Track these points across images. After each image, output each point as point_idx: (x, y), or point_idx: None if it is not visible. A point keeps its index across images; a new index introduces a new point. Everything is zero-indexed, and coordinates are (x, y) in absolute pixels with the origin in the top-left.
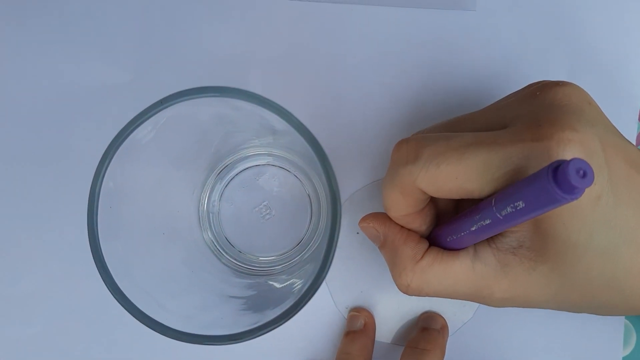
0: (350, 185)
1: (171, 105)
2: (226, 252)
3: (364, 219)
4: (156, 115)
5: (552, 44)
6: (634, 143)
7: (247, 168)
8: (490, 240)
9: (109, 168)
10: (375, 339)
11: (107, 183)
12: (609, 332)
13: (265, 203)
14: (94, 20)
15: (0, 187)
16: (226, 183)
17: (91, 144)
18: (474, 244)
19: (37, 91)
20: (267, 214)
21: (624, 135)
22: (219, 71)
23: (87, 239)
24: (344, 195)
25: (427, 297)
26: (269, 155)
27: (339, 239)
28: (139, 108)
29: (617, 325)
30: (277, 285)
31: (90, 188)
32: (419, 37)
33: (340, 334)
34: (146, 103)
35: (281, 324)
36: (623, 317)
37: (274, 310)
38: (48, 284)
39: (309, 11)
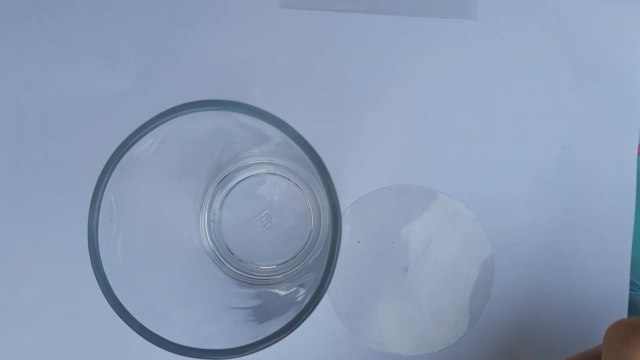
0: (351, 193)
1: (171, 119)
2: (227, 261)
3: None
4: (156, 128)
5: (553, 54)
6: (636, 153)
7: (248, 177)
8: None
9: (109, 182)
10: (375, 348)
11: (108, 196)
12: None
13: (266, 212)
14: (96, 30)
15: (1, 196)
16: (227, 192)
17: (93, 152)
18: None
19: (38, 99)
20: (268, 222)
21: (623, 145)
22: (220, 80)
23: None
24: (346, 203)
25: (428, 307)
26: (269, 164)
27: (340, 248)
28: (141, 117)
29: None
30: (279, 293)
31: (91, 202)
32: (420, 45)
33: (341, 343)
34: (148, 112)
35: (283, 337)
36: None
37: (276, 322)
38: (49, 292)
39: (310, 20)
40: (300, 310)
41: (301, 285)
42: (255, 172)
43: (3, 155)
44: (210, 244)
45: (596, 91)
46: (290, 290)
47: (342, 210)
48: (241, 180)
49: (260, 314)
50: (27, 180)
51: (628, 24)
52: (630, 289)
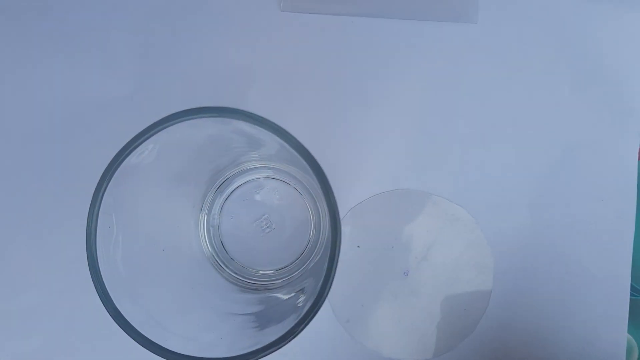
0: (351, 198)
1: (170, 125)
2: (226, 266)
3: None
4: (154, 136)
5: (554, 58)
6: (636, 157)
7: (247, 181)
8: None
9: (107, 188)
10: (375, 354)
11: (106, 202)
12: (611, 348)
13: (265, 216)
14: (94, 34)
15: (0, 201)
16: (226, 196)
17: (91, 157)
18: None
19: (35, 103)
20: (267, 227)
21: (624, 149)
22: (218, 84)
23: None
24: (346, 207)
25: (428, 311)
26: (269, 168)
27: (340, 253)
28: (140, 121)
29: (619, 340)
30: (279, 299)
31: (89, 210)
32: (420, 49)
33: (341, 348)
34: (147, 117)
35: (284, 345)
36: (625, 332)
37: (277, 329)
38: (48, 299)
39: (310, 24)
40: (300, 317)
41: (301, 291)
42: (254, 176)
43: (0, 161)
44: (210, 249)
45: (597, 95)
46: (290, 296)
47: (342, 214)
48: (240, 185)
49: (261, 321)
50: (25, 185)
51: (629, 28)
52: (631, 294)
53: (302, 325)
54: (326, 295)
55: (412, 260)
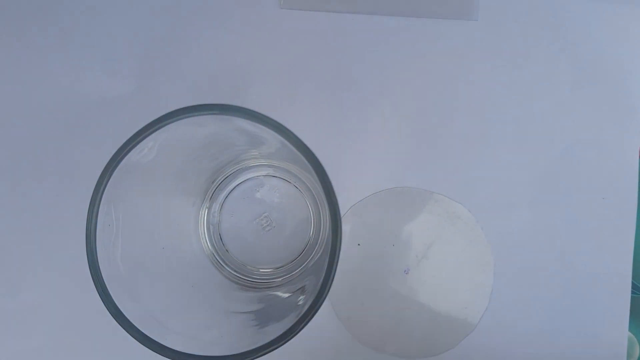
0: (352, 195)
1: (170, 123)
2: (227, 265)
3: None
4: (154, 133)
5: (555, 55)
6: (638, 155)
7: (248, 179)
8: None
9: (107, 187)
10: (376, 352)
11: (106, 201)
12: (612, 345)
13: (265, 214)
14: (94, 32)
15: (0, 200)
16: (226, 194)
17: (92, 155)
18: None
19: (37, 102)
20: (268, 225)
21: (625, 147)
22: (218, 82)
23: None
24: (346, 205)
25: (429, 309)
26: (269, 166)
27: (340, 251)
28: (141, 119)
29: (620, 338)
30: (279, 297)
31: (88, 208)
32: (421, 46)
33: (341, 346)
34: (147, 115)
35: (285, 343)
36: (626, 330)
37: (277, 327)
38: (48, 297)
39: (310, 21)
40: (301, 315)
41: (302, 289)
42: (254, 174)
43: (1, 159)
44: (210, 247)
45: (598, 93)
46: (291, 294)
47: (342, 212)
48: (241, 183)
49: (261, 319)
50: (25, 183)
51: (630, 26)
52: (633, 292)
53: (303, 324)
54: (326, 294)
55: (413, 258)
